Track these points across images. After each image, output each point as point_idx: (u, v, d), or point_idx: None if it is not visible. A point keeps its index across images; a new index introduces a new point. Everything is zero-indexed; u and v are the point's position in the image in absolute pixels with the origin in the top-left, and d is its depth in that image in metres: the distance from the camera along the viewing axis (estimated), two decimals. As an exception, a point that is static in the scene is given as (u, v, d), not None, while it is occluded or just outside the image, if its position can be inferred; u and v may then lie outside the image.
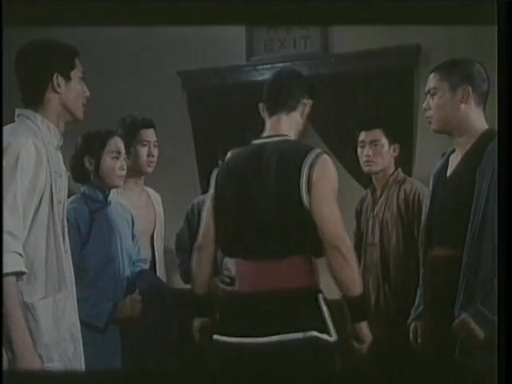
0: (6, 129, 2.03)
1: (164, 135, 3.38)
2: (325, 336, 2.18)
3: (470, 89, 2.28)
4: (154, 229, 3.16)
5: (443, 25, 2.55)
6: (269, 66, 4.24)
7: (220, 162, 3.23)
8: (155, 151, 3.11)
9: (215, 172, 2.44)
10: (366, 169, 3.16)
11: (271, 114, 2.39)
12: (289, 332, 2.16)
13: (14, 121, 2.11)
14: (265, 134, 2.40)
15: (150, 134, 3.11)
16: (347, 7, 2.21)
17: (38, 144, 2.01)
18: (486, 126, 2.30)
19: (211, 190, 2.42)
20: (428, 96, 2.37)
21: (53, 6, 1.99)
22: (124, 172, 2.78)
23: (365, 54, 4.00)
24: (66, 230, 2.18)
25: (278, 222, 2.24)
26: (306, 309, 2.22)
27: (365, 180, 3.99)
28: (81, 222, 2.62)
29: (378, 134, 3.18)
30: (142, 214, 3.08)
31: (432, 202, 2.43)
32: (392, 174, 3.19)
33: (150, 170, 3.11)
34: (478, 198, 2.16)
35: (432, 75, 2.36)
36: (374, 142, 3.17)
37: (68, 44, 2.17)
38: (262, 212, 2.26)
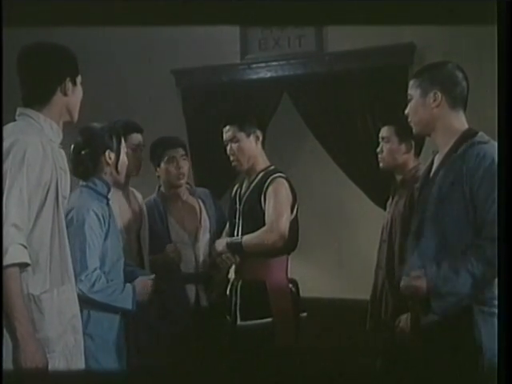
0: (10, 126, 2.10)
1: (158, 134, 3.38)
2: None
3: (440, 93, 2.33)
4: (141, 226, 3.23)
5: (442, 25, 2.56)
6: (263, 64, 4.25)
7: (162, 165, 3.36)
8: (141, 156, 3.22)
9: (291, 194, 3.07)
10: (380, 165, 3.12)
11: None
12: None
13: (12, 119, 2.15)
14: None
15: (139, 139, 3.21)
16: (342, 7, 2.21)
17: (43, 141, 2.09)
18: (466, 127, 2.34)
19: (294, 211, 3.07)
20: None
21: (53, 6, 1.99)
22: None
23: (359, 52, 3.99)
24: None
25: None
26: None
27: (361, 179, 4.01)
28: (104, 214, 2.64)
29: (388, 131, 3.07)
30: (130, 212, 3.18)
31: (418, 202, 2.47)
32: (410, 171, 3.04)
33: (135, 173, 3.20)
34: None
35: (410, 82, 2.42)
36: (384, 139, 3.08)
37: (71, 50, 2.24)
38: None
